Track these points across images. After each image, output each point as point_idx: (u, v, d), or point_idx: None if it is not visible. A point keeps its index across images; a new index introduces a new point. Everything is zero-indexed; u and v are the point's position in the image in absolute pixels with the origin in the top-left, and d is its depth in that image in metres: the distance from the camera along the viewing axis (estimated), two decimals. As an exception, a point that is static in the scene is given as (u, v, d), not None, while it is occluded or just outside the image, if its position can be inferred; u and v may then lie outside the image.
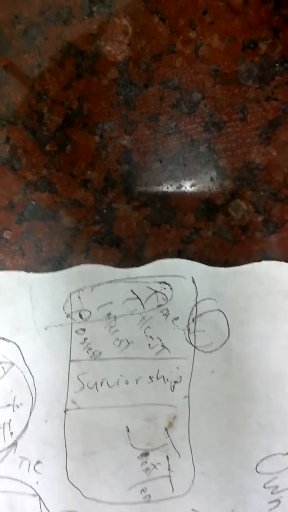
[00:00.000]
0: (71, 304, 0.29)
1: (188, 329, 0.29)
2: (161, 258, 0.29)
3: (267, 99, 0.27)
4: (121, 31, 0.27)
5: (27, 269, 0.29)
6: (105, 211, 0.29)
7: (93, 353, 0.29)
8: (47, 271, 0.29)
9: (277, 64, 0.27)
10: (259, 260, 0.28)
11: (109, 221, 0.29)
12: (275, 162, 0.28)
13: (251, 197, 0.28)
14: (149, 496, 0.29)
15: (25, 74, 0.28)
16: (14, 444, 0.30)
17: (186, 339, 0.29)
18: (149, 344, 0.29)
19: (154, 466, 0.29)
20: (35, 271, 0.29)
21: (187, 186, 0.29)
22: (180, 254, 0.29)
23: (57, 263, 0.29)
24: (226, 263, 0.29)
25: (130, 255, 0.29)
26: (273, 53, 0.27)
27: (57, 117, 0.28)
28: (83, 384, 0.29)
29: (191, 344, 0.29)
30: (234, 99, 0.28)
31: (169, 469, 0.29)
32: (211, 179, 0.28)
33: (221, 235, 0.29)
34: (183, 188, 0.29)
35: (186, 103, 0.28)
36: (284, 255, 0.28)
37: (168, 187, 0.29)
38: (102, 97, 0.28)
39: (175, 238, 0.29)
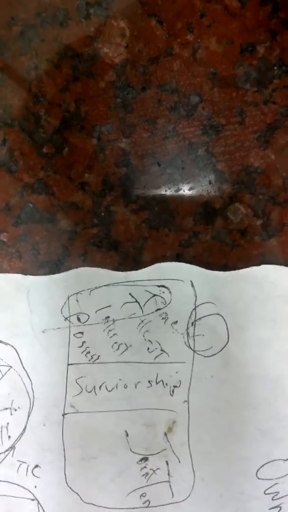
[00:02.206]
0: (69, 307, 0.29)
1: (187, 333, 0.28)
2: (160, 262, 0.28)
3: (265, 103, 0.27)
4: (119, 33, 0.27)
5: (24, 272, 0.29)
6: (103, 214, 0.29)
7: (92, 356, 0.29)
8: (45, 274, 0.29)
9: (275, 67, 0.27)
10: (258, 264, 0.28)
11: (107, 224, 0.29)
12: (274, 165, 0.28)
13: (249, 200, 0.28)
14: (149, 501, 0.29)
15: (21, 76, 0.28)
16: (12, 447, 0.30)
17: (185, 343, 0.29)
18: (148, 348, 0.29)
19: (154, 471, 0.29)
20: (32, 274, 0.29)
21: (186, 190, 0.28)
22: (178, 258, 0.29)
23: (54, 266, 0.29)
24: (225, 267, 0.28)
25: (129, 258, 0.29)
26: (271, 56, 0.27)
27: (54, 119, 0.28)
28: (81, 388, 0.29)
29: (190, 348, 0.29)
30: (232, 102, 0.27)
31: (168, 474, 0.29)
32: (210, 183, 0.28)
33: (220, 239, 0.29)
34: (181, 192, 0.28)
35: (184, 106, 0.28)
36: (284, 259, 0.28)
37: (167, 191, 0.28)
38: (99, 99, 0.28)
39: (173, 241, 0.29)
